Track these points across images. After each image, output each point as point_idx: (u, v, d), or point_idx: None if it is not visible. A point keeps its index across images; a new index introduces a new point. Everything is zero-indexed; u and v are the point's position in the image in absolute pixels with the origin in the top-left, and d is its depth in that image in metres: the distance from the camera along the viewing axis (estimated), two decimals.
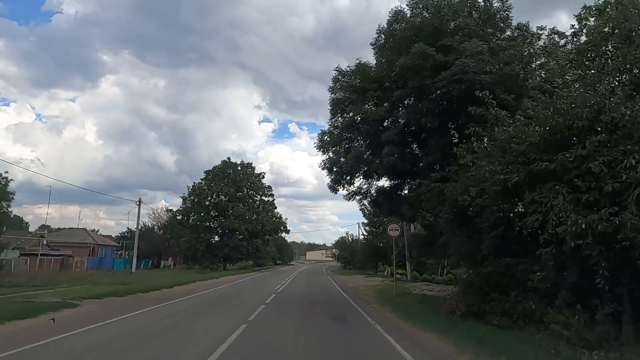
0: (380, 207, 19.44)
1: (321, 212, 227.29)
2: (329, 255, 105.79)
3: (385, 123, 16.22)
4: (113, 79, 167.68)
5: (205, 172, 48.86)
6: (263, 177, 51.84)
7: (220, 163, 49.42)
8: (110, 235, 65.23)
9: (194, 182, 48.80)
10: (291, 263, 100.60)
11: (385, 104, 15.71)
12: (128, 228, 56.72)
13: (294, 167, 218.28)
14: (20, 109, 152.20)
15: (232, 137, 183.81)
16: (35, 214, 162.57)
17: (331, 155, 17.94)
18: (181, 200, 49.11)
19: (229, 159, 49.97)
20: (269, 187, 53.09)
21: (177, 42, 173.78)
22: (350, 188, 19.36)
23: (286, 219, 56.63)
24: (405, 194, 18.78)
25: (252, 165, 51.13)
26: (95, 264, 43.25)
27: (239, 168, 49.45)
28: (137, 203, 41.65)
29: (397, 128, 15.42)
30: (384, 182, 19.33)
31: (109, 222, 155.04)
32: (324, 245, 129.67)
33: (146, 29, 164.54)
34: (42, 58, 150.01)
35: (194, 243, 44.43)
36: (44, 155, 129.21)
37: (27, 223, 74.71)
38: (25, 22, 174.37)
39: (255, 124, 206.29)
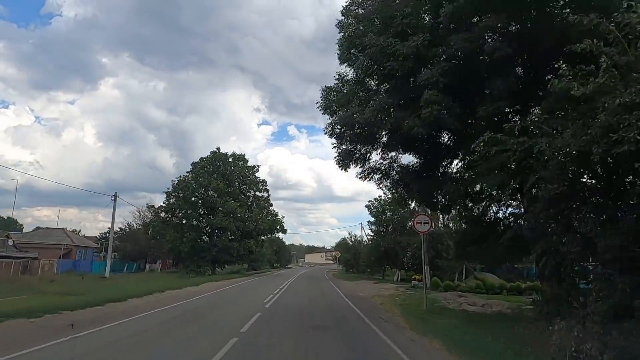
0: (407, 190, 14.17)
1: (320, 215, 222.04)
2: (329, 258, 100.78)
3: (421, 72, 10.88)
4: (112, 82, 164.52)
5: (192, 164, 42.89)
6: (257, 170, 46.14)
7: (209, 154, 43.62)
8: (96, 237, 60.61)
9: (180, 176, 43.03)
10: (289, 266, 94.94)
11: (424, 34, 10.59)
12: (109, 227, 51.41)
13: (293, 169, 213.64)
14: (19, 111, 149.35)
15: (231, 140, 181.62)
16: (34, 217, 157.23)
17: (341, 115, 12.73)
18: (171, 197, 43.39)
19: (218, 149, 44.05)
20: (264, 181, 47.38)
21: (177, 44, 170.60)
22: (365, 165, 14.32)
23: (283, 217, 50.53)
24: (441, 172, 13.66)
25: (245, 157, 45.57)
26: (68, 267, 38.60)
27: (230, 160, 43.53)
28: (112, 198, 36.51)
29: (442, 65, 10.22)
30: (411, 159, 14.26)
31: (108, 224, 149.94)
32: (324, 247, 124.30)
33: (146, 32, 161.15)
34: (42, 60, 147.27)
35: (178, 244, 38.74)
36: (43, 158, 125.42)
37: (21, 225, 69.89)
38: (25, 24, 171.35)
39: (254, 127, 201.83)
